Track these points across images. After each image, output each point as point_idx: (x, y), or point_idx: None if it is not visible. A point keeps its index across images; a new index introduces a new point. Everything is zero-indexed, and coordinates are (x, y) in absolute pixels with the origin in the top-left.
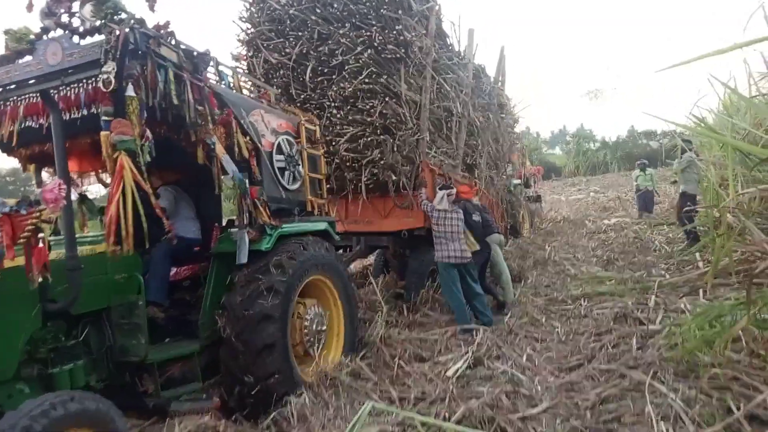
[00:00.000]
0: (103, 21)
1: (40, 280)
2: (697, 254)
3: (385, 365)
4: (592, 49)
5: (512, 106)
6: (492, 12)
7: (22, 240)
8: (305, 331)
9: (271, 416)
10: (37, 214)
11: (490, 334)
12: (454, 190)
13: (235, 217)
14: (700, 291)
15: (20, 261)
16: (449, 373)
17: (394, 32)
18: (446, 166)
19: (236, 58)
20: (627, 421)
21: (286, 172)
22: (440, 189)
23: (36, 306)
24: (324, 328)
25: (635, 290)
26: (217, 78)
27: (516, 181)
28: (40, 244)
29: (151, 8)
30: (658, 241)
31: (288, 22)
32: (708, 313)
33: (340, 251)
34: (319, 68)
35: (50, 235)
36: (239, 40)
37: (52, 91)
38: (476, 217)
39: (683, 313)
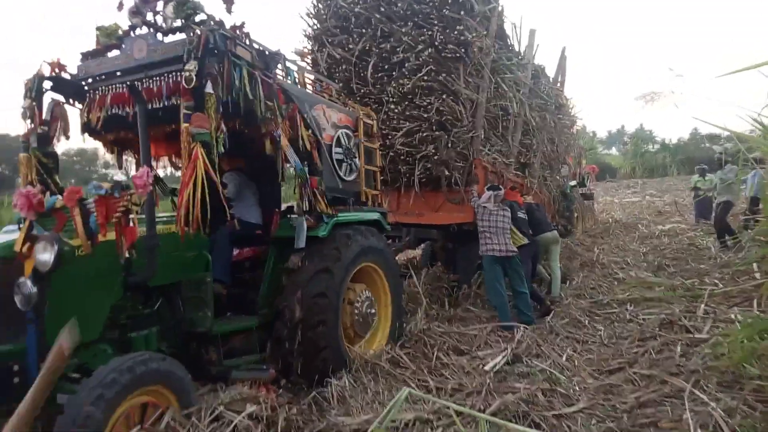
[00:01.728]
0: (183, 20)
1: (127, 255)
2: (755, 264)
3: (423, 356)
4: (656, 47)
5: (571, 106)
6: (555, 11)
7: (114, 220)
8: (355, 313)
9: (312, 395)
10: (128, 197)
11: (531, 333)
12: (502, 192)
13: (293, 204)
14: (754, 302)
15: (110, 237)
16: (487, 367)
17: (455, 32)
18: (499, 164)
19: (300, 54)
20: (664, 426)
21: (344, 164)
22: (488, 189)
23: (120, 277)
24: (373, 311)
25: (685, 298)
26: (284, 74)
27: (572, 183)
28: (131, 224)
29: (228, 10)
30: (714, 249)
31: (353, 19)
32: (758, 325)
33: (390, 241)
34: (380, 65)
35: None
36: (305, 35)
37: (136, 83)
38: (521, 214)
39: (733, 324)
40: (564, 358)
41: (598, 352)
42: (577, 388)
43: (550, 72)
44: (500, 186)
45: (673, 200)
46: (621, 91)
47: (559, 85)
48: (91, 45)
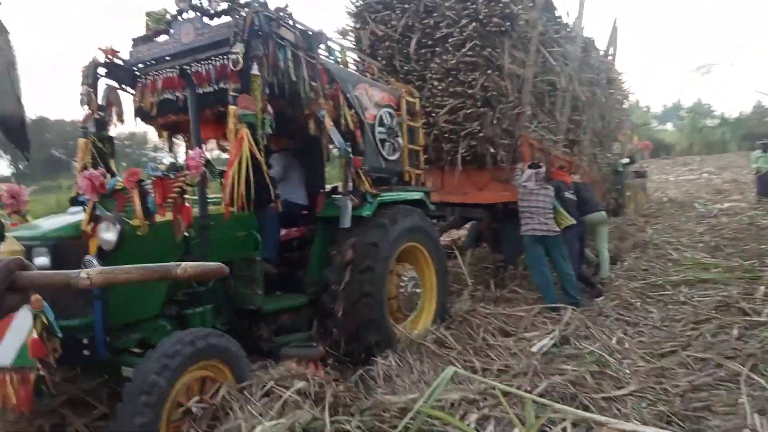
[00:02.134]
0: (229, 3)
1: (185, 234)
2: None
3: (469, 337)
4: (714, 16)
5: (622, 81)
6: None
7: (170, 200)
8: (401, 291)
9: (358, 373)
10: (183, 178)
11: (579, 314)
12: (543, 170)
13: (338, 184)
14: None
15: (168, 216)
16: (534, 348)
17: (500, 5)
18: (546, 142)
19: (342, 33)
20: (718, 411)
21: (387, 144)
22: (528, 167)
23: (177, 256)
24: (418, 291)
25: (743, 279)
26: (327, 54)
27: (624, 161)
28: (186, 204)
29: None
30: None
31: None
32: None
33: (435, 221)
34: (423, 40)
35: None
36: (348, 13)
37: (186, 67)
38: (569, 195)
39: None
40: (614, 341)
41: (650, 334)
42: (628, 371)
43: (601, 44)
44: (540, 164)
45: (733, 178)
46: (678, 64)
47: (610, 58)
48: (91, 45)
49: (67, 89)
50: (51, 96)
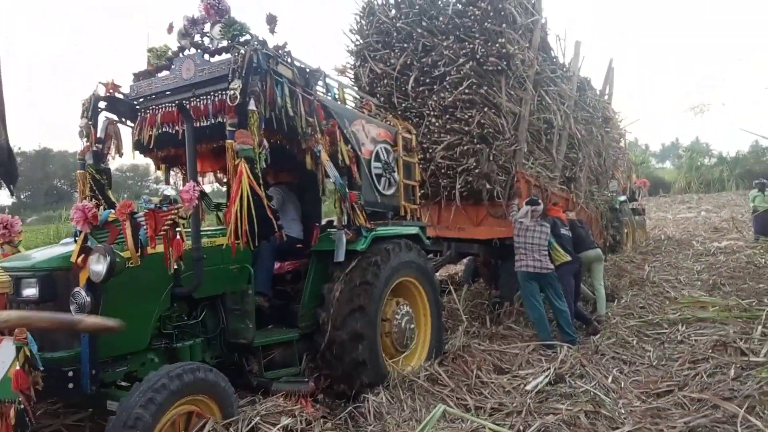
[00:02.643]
0: (230, 41)
1: (176, 267)
2: None
3: (463, 374)
4: (709, 55)
5: (619, 120)
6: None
7: (162, 233)
8: (395, 328)
9: (348, 410)
10: (176, 211)
11: (575, 352)
12: (540, 207)
13: (333, 218)
14: None
15: (160, 249)
16: (528, 387)
17: (497, 45)
18: (543, 178)
19: (340, 71)
20: None
21: (383, 179)
22: (526, 203)
23: (168, 289)
24: (413, 326)
25: (741, 318)
26: (324, 90)
27: (621, 198)
28: (178, 237)
29: (272, 31)
30: None
31: (395, 34)
32: None
33: (431, 256)
34: (422, 78)
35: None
36: (348, 51)
37: (185, 102)
38: (564, 231)
39: None
40: (610, 380)
41: (646, 373)
42: (623, 411)
43: (597, 84)
44: (539, 200)
45: (731, 216)
46: (673, 102)
47: (606, 97)
48: (92, 45)
49: (70, 121)
50: (54, 127)
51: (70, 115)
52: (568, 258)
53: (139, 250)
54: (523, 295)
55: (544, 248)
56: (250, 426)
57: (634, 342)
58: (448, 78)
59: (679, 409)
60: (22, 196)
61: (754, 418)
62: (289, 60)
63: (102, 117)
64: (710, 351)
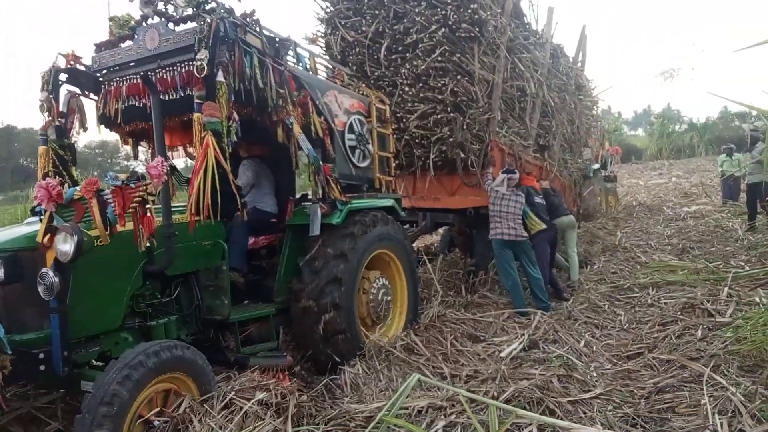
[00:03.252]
0: (195, 9)
1: (147, 245)
2: None
3: (438, 343)
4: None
5: (592, 87)
6: None
7: (130, 210)
8: (371, 299)
9: (323, 382)
10: (144, 187)
11: (548, 318)
12: (516, 175)
13: (308, 192)
14: None
15: (129, 226)
16: (503, 353)
17: (469, 11)
18: (517, 146)
19: (311, 40)
20: (681, 411)
21: (357, 151)
22: (502, 172)
23: (139, 267)
24: (389, 298)
25: (708, 281)
26: (295, 60)
27: (595, 166)
28: (148, 214)
29: None
30: (741, 231)
31: (365, 0)
32: None
33: (406, 226)
34: (394, 46)
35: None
36: (318, 18)
37: (150, 74)
38: (539, 199)
39: (757, 307)
40: (582, 344)
41: (617, 337)
42: (595, 374)
43: (570, 51)
44: (515, 169)
45: (700, 181)
46: (647, 70)
47: (579, 65)
48: (90, 45)
49: (36, 98)
50: (18, 104)
51: (34, 91)
52: (544, 226)
53: (108, 228)
54: (498, 263)
55: (519, 217)
56: (224, 401)
57: (606, 307)
58: (420, 45)
59: (648, 370)
60: None
61: (719, 377)
62: (257, 29)
63: (64, 90)
64: (679, 313)
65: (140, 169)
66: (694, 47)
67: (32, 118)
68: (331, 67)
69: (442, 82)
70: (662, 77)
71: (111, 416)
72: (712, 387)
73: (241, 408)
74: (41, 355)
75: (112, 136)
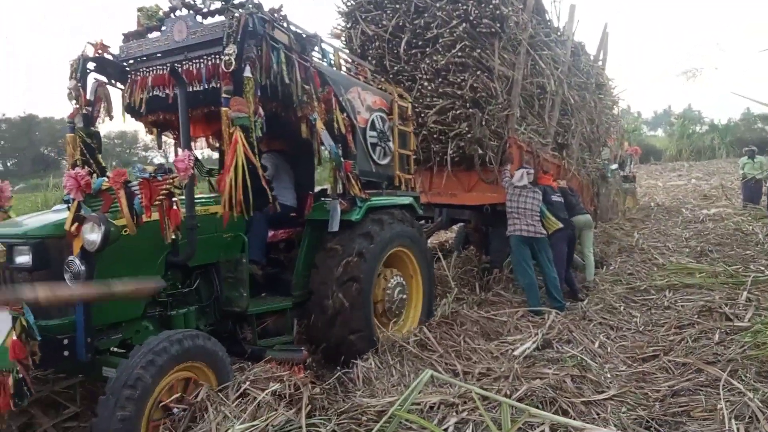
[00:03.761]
0: (223, 3)
1: (173, 237)
2: None
3: (451, 339)
4: (706, 21)
5: (612, 86)
6: None
7: (157, 202)
8: (387, 297)
9: (336, 375)
10: (171, 180)
11: (563, 318)
12: (532, 169)
13: (326, 186)
14: None
15: (154, 217)
16: (516, 352)
17: (491, 6)
18: (535, 144)
19: (336, 35)
20: (697, 416)
21: (378, 148)
22: (521, 167)
23: (162, 257)
24: (405, 296)
25: (727, 285)
26: (320, 56)
27: (613, 167)
28: (174, 207)
29: None
30: (762, 235)
31: None
32: None
33: (422, 222)
34: (414, 41)
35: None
36: (339, 12)
37: (177, 65)
38: (556, 198)
39: None
40: (596, 345)
41: (632, 339)
42: (609, 375)
43: (591, 49)
44: (531, 168)
45: (720, 183)
46: (668, 70)
47: (600, 63)
48: (91, 45)
49: (56, 86)
50: (40, 93)
51: (56, 81)
52: (560, 225)
53: (135, 219)
54: (515, 260)
55: (537, 213)
56: (239, 392)
57: (622, 308)
58: (440, 40)
59: (663, 373)
60: (8, 164)
61: (736, 381)
62: (285, 24)
63: (91, 78)
64: (696, 316)
65: (159, 159)
66: (718, 46)
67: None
68: (354, 62)
69: (462, 77)
70: (684, 77)
71: (134, 399)
72: (729, 392)
73: (255, 398)
74: (65, 341)
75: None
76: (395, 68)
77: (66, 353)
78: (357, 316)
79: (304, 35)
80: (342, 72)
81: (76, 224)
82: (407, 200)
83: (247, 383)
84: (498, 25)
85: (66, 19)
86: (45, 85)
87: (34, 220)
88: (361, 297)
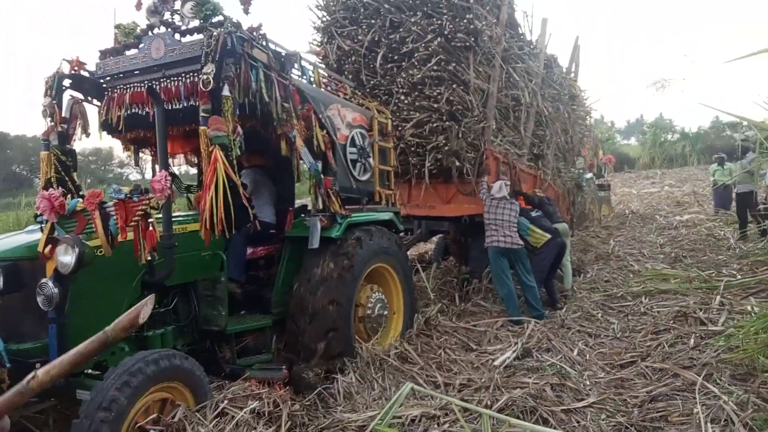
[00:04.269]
0: (202, 21)
1: (149, 258)
2: None
3: (432, 351)
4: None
5: (585, 97)
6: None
7: (133, 223)
8: (368, 314)
9: (316, 391)
10: (147, 201)
11: (542, 327)
12: (509, 182)
13: (307, 202)
14: None
15: (129, 236)
16: (496, 362)
17: (465, 21)
18: (511, 155)
19: (316, 53)
20: (674, 420)
21: (358, 164)
22: (499, 179)
23: (138, 277)
24: (385, 313)
25: (701, 290)
26: (300, 73)
27: (588, 176)
28: (150, 228)
29: (246, 11)
30: (733, 240)
31: (362, 10)
32: None
33: (401, 234)
34: (390, 55)
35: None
36: (314, 27)
37: (154, 83)
38: (535, 213)
39: (748, 315)
40: (575, 353)
41: (610, 345)
42: (588, 383)
43: (563, 62)
44: (507, 181)
45: (692, 190)
46: (639, 80)
47: (572, 75)
48: (90, 45)
49: (28, 104)
50: (11, 111)
51: (29, 98)
52: (548, 236)
53: (110, 240)
54: (493, 270)
55: (514, 224)
56: (217, 411)
57: (599, 315)
58: (416, 55)
59: (641, 378)
60: None
61: (711, 385)
62: (264, 43)
63: (67, 96)
64: (672, 322)
65: (134, 176)
66: (686, 58)
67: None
68: (334, 79)
69: (438, 91)
70: (653, 88)
71: (108, 422)
72: (705, 396)
73: (233, 417)
74: (38, 365)
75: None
76: (372, 82)
77: None
78: (338, 336)
79: (283, 53)
80: (321, 89)
81: (49, 246)
82: (387, 216)
83: (225, 402)
84: (472, 39)
85: (66, 19)
86: (17, 101)
87: (5, 241)
88: (341, 317)
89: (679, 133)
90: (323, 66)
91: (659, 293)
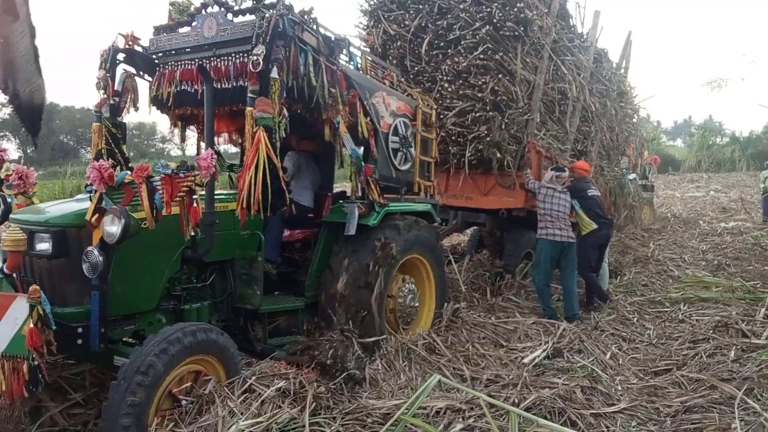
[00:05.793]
0: (254, 2)
1: (192, 234)
2: None
3: (460, 344)
4: (731, 30)
5: (634, 95)
6: None
7: (177, 198)
8: (399, 305)
9: (343, 375)
10: (192, 178)
11: (574, 327)
12: (565, 174)
13: (346, 188)
14: None
15: (175, 211)
16: (525, 360)
17: (515, 9)
18: (554, 150)
19: (364, 39)
20: None
21: (399, 153)
22: (551, 169)
23: (179, 251)
24: (416, 304)
25: (744, 300)
26: (348, 59)
27: (631, 176)
28: (194, 204)
29: None
30: None
31: None
32: None
33: (436, 224)
34: (436, 42)
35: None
36: (361, 10)
37: (205, 61)
38: (592, 192)
39: None
40: (608, 356)
41: (645, 351)
42: (620, 388)
43: (614, 57)
44: (564, 168)
45: (740, 196)
46: (690, 80)
47: (622, 70)
48: (122, 36)
49: (78, 76)
50: (61, 82)
51: (78, 71)
52: (595, 226)
53: (154, 214)
54: (539, 260)
55: (567, 217)
56: (245, 387)
57: (635, 319)
58: (463, 42)
59: (676, 388)
60: (28, 151)
61: (751, 401)
62: (314, 27)
63: (120, 69)
64: (711, 331)
65: (175, 153)
66: (745, 57)
67: (74, 97)
68: (381, 67)
69: (483, 80)
70: (709, 87)
71: (145, 385)
72: (744, 411)
73: (260, 394)
74: (79, 330)
75: (150, 118)
76: (416, 69)
77: (79, 341)
78: (368, 324)
79: (332, 38)
80: (368, 76)
81: (96, 215)
82: (425, 207)
83: (253, 378)
84: (521, 28)
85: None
86: (66, 75)
87: (55, 208)
88: (373, 304)
89: (728, 136)
90: (370, 52)
91: (699, 301)
